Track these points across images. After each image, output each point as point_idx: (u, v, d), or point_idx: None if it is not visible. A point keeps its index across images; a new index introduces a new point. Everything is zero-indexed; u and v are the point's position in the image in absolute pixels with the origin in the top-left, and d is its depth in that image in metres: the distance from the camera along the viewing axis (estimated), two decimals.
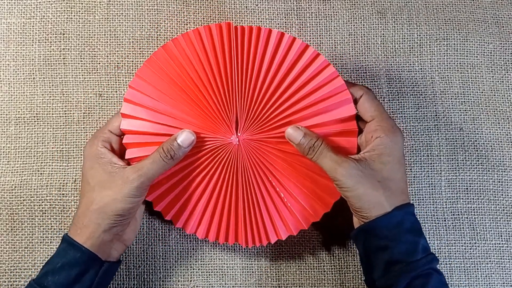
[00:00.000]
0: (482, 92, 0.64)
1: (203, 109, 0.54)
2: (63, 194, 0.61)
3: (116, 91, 0.63)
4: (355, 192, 0.50)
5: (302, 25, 0.64)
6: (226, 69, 0.54)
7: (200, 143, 0.55)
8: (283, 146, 0.55)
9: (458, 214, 0.62)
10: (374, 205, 0.50)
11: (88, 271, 0.51)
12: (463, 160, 0.63)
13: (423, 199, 0.62)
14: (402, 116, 0.63)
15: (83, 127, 0.62)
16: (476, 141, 0.63)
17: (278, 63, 0.54)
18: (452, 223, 0.62)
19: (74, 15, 0.63)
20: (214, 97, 0.54)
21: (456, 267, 0.61)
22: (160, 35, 0.63)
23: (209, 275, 0.60)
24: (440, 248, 0.61)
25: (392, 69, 0.64)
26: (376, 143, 0.52)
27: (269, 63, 0.54)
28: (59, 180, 0.61)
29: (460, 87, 0.64)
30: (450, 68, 0.64)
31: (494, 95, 0.64)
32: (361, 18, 0.65)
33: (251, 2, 0.64)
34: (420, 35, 0.65)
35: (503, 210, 0.62)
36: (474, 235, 0.62)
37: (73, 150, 0.61)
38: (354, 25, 0.65)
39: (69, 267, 0.50)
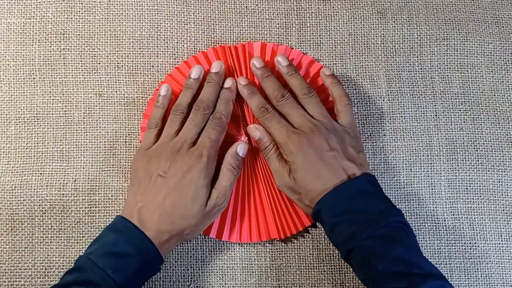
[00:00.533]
0: (482, 92, 0.64)
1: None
2: (63, 194, 0.61)
3: (116, 91, 0.63)
4: (291, 196, 0.57)
5: (302, 25, 0.64)
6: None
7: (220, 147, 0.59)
8: None
9: (458, 214, 0.62)
10: (305, 210, 0.57)
11: (150, 268, 0.53)
12: (463, 160, 0.63)
13: (423, 199, 0.62)
14: (402, 116, 0.63)
15: (83, 127, 0.62)
16: (476, 141, 0.63)
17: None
18: (452, 223, 0.62)
19: (74, 15, 0.63)
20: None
21: (456, 267, 0.61)
22: (160, 35, 0.63)
23: (209, 275, 0.60)
24: (440, 248, 0.61)
25: (392, 69, 0.64)
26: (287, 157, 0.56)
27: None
28: (59, 180, 0.61)
29: (460, 87, 0.64)
30: (450, 68, 0.64)
31: (494, 95, 0.64)
32: (361, 18, 0.65)
33: (251, 2, 0.64)
34: (420, 35, 0.65)
35: (503, 210, 0.62)
36: (474, 235, 0.62)
37: (73, 150, 0.61)
38: (354, 25, 0.65)
39: (137, 262, 0.51)
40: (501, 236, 0.62)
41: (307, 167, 0.54)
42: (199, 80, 0.59)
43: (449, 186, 0.62)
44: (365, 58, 0.64)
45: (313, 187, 0.54)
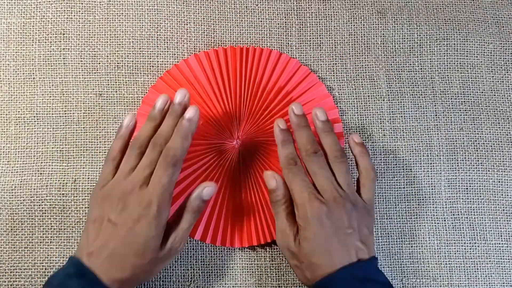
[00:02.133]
0: (482, 92, 0.64)
1: (209, 118, 0.60)
2: (63, 194, 0.61)
3: (116, 91, 0.63)
4: (289, 261, 0.54)
5: (302, 25, 0.64)
6: (230, 85, 0.60)
7: (206, 148, 0.59)
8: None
9: (458, 214, 0.62)
10: (303, 280, 0.53)
11: None
12: (463, 160, 0.63)
13: (423, 199, 0.62)
14: (402, 116, 0.63)
15: (83, 127, 0.62)
16: (476, 141, 0.63)
17: (274, 79, 0.61)
18: (452, 223, 0.62)
19: (74, 15, 0.63)
20: (219, 108, 0.60)
21: (456, 267, 0.61)
22: (160, 35, 0.63)
23: (209, 275, 0.60)
24: (440, 248, 0.61)
25: (392, 69, 0.64)
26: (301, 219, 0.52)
27: (267, 80, 0.61)
28: (59, 180, 0.61)
29: (460, 87, 0.64)
30: (450, 68, 0.64)
31: (494, 95, 0.64)
32: (361, 18, 0.65)
33: (251, 2, 0.64)
34: (420, 35, 0.65)
35: (503, 210, 0.62)
36: (474, 235, 0.62)
37: (73, 150, 0.61)
38: (354, 25, 0.65)
39: None
40: (501, 236, 0.62)
41: (319, 239, 0.50)
42: (164, 111, 0.54)
43: (449, 186, 0.62)
44: (365, 58, 0.64)
45: (319, 261, 0.50)
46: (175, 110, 0.53)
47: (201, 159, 0.59)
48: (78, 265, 0.49)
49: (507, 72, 0.64)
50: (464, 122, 0.63)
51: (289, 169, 0.53)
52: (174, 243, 0.51)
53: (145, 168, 0.51)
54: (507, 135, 0.63)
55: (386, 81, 0.64)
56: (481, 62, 0.65)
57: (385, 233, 0.61)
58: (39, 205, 0.61)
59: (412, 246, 0.61)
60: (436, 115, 0.63)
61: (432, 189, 0.62)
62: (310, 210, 0.50)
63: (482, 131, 0.63)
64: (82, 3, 0.63)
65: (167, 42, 0.63)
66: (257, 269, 0.60)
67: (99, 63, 0.63)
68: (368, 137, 0.63)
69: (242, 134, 0.60)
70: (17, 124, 0.62)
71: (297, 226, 0.52)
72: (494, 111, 0.64)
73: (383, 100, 0.63)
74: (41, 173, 0.61)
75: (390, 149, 0.63)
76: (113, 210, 0.50)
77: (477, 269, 0.61)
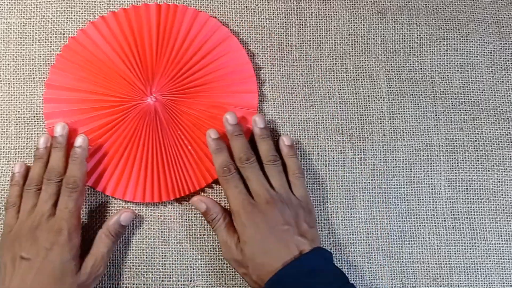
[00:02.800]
0: (482, 92, 0.64)
1: (119, 80, 0.60)
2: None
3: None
4: (238, 270, 0.56)
5: (302, 25, 0.64)
6: (144, 43, 0.60)
7: (119, 111, 0.60)
8: (193, 105, 0.60)
9: (458, 214, 0.62)
10: (253, 286, 0.54)
11: None
12: (463, 160, 0.63)
13: (423, 199, 0.62)
14: (402, 116, 0.63)
15: None
16: (476, 141, 0.63)
17: (191, 39, 0.61)
18: (452, 223, 0.62)
19: (74, 15, 0.63)
20: (131, 66, 0.60)
21: (456, 267, 0.61)
22: None
23: (209, 275, 0.60)
24: (440, 248, 0.61)
25: (392, 69, 0.64)
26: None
27: (183, 38, 0.61)
28: None
29: (460, 87, 0.64)
30: (450, 68, 0.64)
31: (494, 95, 0.64)
32: (361, 18, 0.65)
33: (251, 2, 0.64)
34: (420, 35, 0.65)
35: (503, 210, 0.62)
36: (474, 235, 0.62)
37: None
38: (354, 25, 0.65)
39: None
40: (501, 236, 0.62)
41: (257, 240, 0.53)
42: (49, 148, 0.57)
43: (449, 186, 0.62)
44: (365, 58, 0.64)
45: (262, 261, 0.52)
46: (59, 143, 0.57)
47: (115, 118, 0.60)
48: None
49: (507, 72, 0.64)
50: (464, 122, 0.63)
51: (223, 177, 0.56)
52: (94, 267, 0.54)
53: (46, 201, 0.54)
54: (507, 135, 0.63)
55: (386, 81, 0.64)
56: (481, 62, 0.65)
57: (385, 233, 0.61)
58: None
59: (412, 246, 0.61)
60: (436, 115, 0.63)
61: (432, 189, 0.62)
62: (244, 215, 0.54)
63: (482, 131, 0.63)
64: (82, 3, 0.63)
65: None
66: None
67: None
68: (368, 137, 0.63)
69: (156, 91, 0.60)
70: (17, 124, 0.62)
71: (237, 235, 0.55)
72: (494, 111, 0.64)
73: (383, 100, 0.63)
74: None
75: (390, 149, 0.63)
76: (23, 248, 0.52)
77: (477, 269, 0.61)
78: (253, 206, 0.54)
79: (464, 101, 0.64)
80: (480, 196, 0.62)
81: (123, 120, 0.60)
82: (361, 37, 0.64)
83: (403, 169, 0.62)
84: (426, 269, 0.61)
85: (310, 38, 0.64)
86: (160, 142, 0.60)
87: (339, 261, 0.61)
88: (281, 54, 0.64)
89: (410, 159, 0.63)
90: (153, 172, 0.60)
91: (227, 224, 0.56)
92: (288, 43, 0.64)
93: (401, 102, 0.64)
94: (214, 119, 0.60)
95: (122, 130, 0.60)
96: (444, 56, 0.64)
